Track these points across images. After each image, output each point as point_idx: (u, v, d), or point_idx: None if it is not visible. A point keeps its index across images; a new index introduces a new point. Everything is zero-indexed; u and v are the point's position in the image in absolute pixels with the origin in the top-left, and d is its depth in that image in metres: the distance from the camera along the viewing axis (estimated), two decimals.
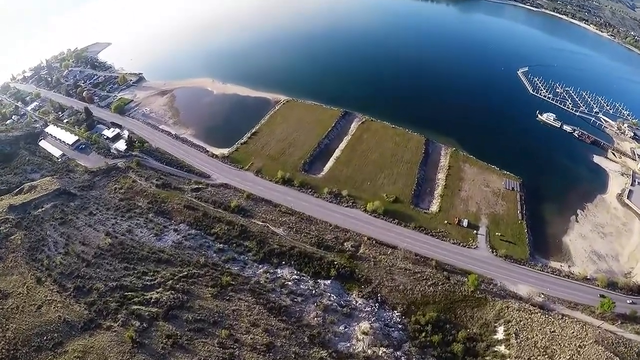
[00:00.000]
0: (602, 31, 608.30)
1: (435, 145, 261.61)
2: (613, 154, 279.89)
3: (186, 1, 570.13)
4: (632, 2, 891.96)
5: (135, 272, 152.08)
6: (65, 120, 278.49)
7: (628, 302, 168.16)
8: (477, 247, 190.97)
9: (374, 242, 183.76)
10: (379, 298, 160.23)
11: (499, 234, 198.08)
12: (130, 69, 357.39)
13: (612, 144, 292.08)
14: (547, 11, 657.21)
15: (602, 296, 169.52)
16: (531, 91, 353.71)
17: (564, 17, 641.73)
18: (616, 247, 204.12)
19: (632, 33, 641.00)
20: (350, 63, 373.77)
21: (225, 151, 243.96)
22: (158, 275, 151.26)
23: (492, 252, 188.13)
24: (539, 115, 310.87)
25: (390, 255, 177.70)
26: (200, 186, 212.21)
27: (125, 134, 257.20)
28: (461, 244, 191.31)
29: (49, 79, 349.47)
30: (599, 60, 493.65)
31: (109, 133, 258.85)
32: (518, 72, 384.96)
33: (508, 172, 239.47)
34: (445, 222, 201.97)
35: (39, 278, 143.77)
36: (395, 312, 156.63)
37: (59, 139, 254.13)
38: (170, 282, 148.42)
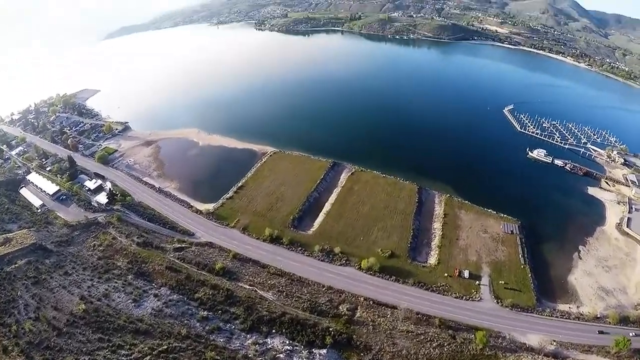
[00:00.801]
0: (579, 62, 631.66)
1: (428, 193, 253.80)
2: (607, 182, 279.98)
3: (175, 52, 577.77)
4: (604, 31, 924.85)
5: (110, 344, 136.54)
6: (48, 168, 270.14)
7: (631, 334, 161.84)
8: (481, 299, 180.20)
9: (371, 302, 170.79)
10: None
11: (503, 282, 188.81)
12: (116, 117, 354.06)
13: (604, 173, 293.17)
14: (525, 48, 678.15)
15: (601, 332, 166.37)
16: (519, 129, 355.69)
17: (541, 52, 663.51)
18: (622, 279, 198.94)
19: (607, 60, 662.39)
20: (338, 113, 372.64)
21: (210, 207, 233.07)
22: (135, 349, 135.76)
23: (498, 302, 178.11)
24: (529, 153, 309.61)
25: (390, 316, 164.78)
26: (183, 245, 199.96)
27: (108, 186, 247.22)
28: (464, 298, 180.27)
29: (36, 123, 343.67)
30: (580, 90, 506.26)
31: (91, 184, 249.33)
32: (504, 111, 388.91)
33: (505, 215, 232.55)
34: (446, 274, 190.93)
35: (5, 347, 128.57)
36: None
37: (40, 188, 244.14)
38: (149, 357, 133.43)
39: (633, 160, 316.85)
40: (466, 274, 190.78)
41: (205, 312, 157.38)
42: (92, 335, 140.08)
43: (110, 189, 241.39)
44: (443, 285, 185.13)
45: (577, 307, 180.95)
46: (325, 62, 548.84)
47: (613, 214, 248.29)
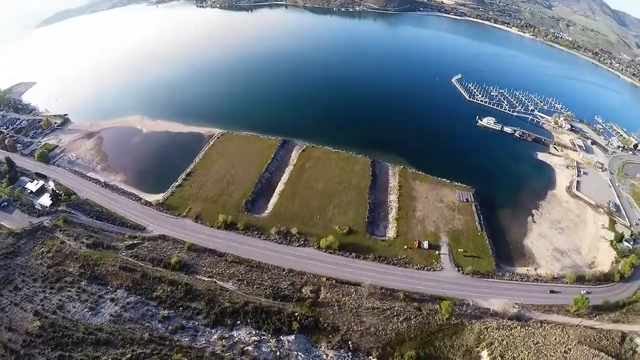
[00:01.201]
0: (524, 32, 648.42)
1: (382, 166, 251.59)
2: (555, 148, 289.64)
3: (114, 36, 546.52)
4: (548, 2, 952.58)
5: None
6: None
7: (582, 292, 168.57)
8: (442, 268, 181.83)
9: (334, 282, 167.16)
10: (350, 346, 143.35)
11: (462, 250, 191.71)
12: (55, 110, 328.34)
13: (552, 138, 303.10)
14: (470, 18, 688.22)
15: (552, 291, 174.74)
16: (468, 98, 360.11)
17: (486, 22, 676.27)
18: (575, 240, 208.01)
19: (551, 30, 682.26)
20: (285, 88, 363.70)
21: (159, 197, 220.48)
22: None
23: (459, 270, 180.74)
24: (479, 121, 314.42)
25: (354, 294, 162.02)
26: (135, 241, 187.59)
27: (51, 186, 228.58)
28: (426, 268, 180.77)
29: None
30: (525, 60, 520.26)
31: (33, 186, 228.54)
32: (452, 80, 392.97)
33: (459, 184, 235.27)
34: (405, 247, 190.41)
35: None
36: (371, 357, 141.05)
37: None
38: None
39: (579, 126, 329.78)
40: (425, 244, 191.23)
41: (166, 311, 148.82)
42: (52, 353, 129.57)
43: (53, 189, 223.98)
44: (404, 257, 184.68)
45: (535, 269, 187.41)
46: (270, 37, 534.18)
47: (563, 177, 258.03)
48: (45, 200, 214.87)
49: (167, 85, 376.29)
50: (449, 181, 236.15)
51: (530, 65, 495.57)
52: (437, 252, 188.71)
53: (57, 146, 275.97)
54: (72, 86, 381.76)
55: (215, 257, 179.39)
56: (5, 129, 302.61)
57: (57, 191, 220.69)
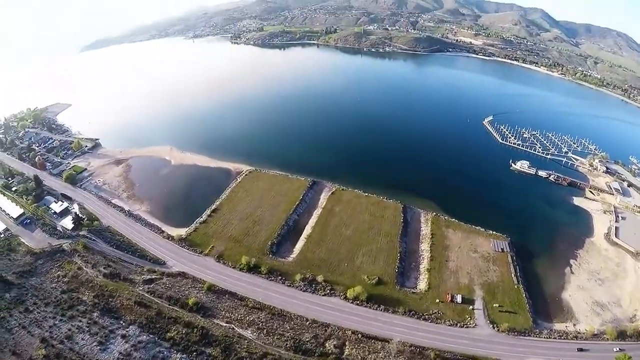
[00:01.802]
0: (552, 71, 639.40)
1: (413, 212, 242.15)
2: (591, 192, 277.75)
3: (149, 66, 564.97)
4: (575, 40, 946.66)
5: None
6: (14, 188, 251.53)
7: (615, 350, 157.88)
8: (476, 325, 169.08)
9: (360, 336, 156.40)
10: None
11: (497, 305, 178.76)
12: (87, 134, 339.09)
13: (588, 182, 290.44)
14: (499, 59, 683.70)
15: (580, 349, 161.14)
16: (500, 140, 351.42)
17: (515, 62, 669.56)
18: (615, 291, 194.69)
19: (579, 69, 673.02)
20: (316, 128, 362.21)
21: (182, 232, 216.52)
22: None
23: (493, 327, 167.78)
24: (512, 165, 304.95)
25: (381, 352, 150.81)
26: (154, 276, 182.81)
27: (75, 209, 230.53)
28: (458, 324, 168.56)
29: (4, 139, 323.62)
30: (555, 99, 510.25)
31: (57, 207, 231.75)
32: (484, 122, 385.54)
33: (494, 232, 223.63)
34: (437, 300, 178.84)
35: None
36: None
37: (3, 210, 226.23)
38: None
39: (614, 168, 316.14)
40: (459, 298, 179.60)
41: (179, 355, 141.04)
42: None
43: (76, 212, 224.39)
44: (435, 312, 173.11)
45: (574, 324, 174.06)
46: (301, 76, 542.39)
47: (600, 223, 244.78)
48: (68, 223, 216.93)
49: (197, 118, 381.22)
50: (483, 229, 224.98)
51: (561, 105, 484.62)
52: (470, 306, 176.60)
53: (85, 169, 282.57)
54: (106, 111, 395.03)
55: (236, 300, 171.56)
56: (37, 147, 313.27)
57: (80, 215, 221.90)
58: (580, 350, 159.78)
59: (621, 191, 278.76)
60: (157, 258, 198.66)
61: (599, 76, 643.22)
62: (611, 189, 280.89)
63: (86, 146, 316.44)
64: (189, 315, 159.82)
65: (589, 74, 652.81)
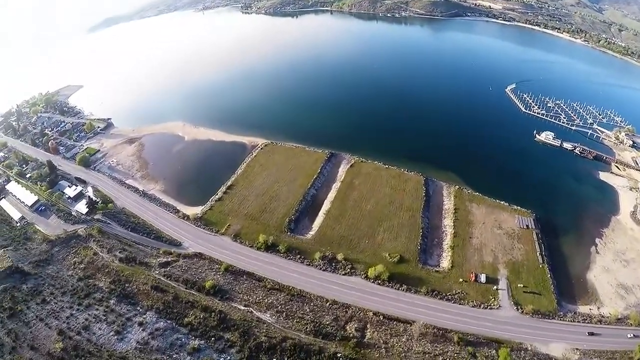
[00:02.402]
0: (575, 38, 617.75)
1: (435, 185, 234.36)
2: (617, 167, 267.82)
3: (159, 42, 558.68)
4: (598, 6, 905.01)
5: None
6: (28, 175, 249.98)
7: (629, 336, 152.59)
8: (499, 306, 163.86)
9: (381, 318, 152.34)
10: None
11: (522, 285, 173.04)
12: (99, 114, 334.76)
13: (614, 156, 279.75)
14: (519, 24, 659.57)
15: (591, 333, 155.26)
16: (523, 109, 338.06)
17: (536, 27, 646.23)
18: None
19: (603, 36, 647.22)
20: (332, 98, 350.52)
21: (198, 210, 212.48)
22: None
23: (517, 309, 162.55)
24: (537, 136, 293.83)
25: (403, 334, 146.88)
26: (170, 259, 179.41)
27: (89, 192, 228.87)
28: (482, 306, 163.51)
29: (17, 126, 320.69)
30: (579, 67, 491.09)
31: (71, 191, 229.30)
32: (506, 90, 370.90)
33: (519, 208, 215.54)
34: (461, 280, 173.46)
35: None
36: None
37: (19, 199, 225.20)
38: None
39: None
40: (483, 278, 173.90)
41: (197, 341, 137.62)
42: None
43: (90, 196, 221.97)
44: (459, 292, 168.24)
45: (598, 307, 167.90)
46: (316, 44, 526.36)
47: (627, 200, 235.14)
48: (82, 207, 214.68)
49: (210, 92, 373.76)
50: (507, 204, 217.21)
51: (584, 73, 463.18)
52: (494, 287, 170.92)
53: (98, 150, 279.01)
54: (117, 91, 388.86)
55: (254, 281, 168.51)
56: (50, 131, 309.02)
57: (95, 198, 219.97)
58: (591, 334, 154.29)
59: None
60: (173, 239, 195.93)
61: (623, 44, 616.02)
62: (638, 164, 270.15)
63: (99, 127, 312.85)
64: (207, 299, 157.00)
65: (613, 41, 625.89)
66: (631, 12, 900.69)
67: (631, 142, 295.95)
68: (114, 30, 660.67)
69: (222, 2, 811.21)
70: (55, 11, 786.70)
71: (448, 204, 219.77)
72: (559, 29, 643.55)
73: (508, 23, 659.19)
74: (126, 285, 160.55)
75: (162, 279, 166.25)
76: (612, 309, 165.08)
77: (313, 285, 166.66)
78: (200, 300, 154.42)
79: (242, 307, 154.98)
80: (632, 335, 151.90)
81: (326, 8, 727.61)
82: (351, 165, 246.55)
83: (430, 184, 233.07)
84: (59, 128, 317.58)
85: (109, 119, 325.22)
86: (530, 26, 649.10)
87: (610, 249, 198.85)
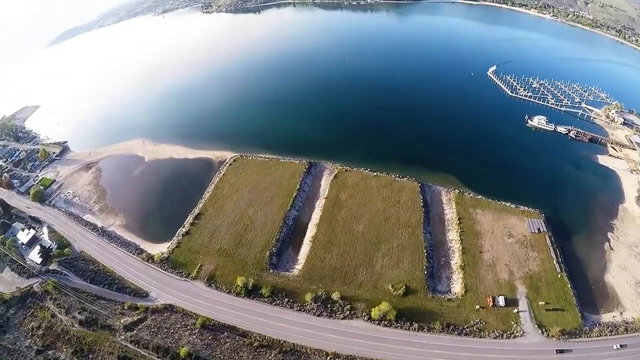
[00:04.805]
0: (543, 13, 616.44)
1: (432, 190, 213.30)
2: (613, 148, 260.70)
3: (116, 55, 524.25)
4: None
5: None
6: None
7: (615, 347, 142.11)
8: (523, 332, 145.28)
9: None
10: None
11: (543, 302, 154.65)
12: (55, 137, 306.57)
13: (608, 136, 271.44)
14: (486, 3, 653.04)
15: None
16: (510, 93, 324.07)
17: (503, 6, 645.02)
18: None
19: (571, 9, 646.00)
20: (304, 98, 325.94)
21: (164, 248, 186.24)
22: None
23: (542, 332, 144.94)
24: (529, 121, 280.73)
25: None
26: (136, 317, 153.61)
27: (44, 234, 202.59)
28: (504, 335, 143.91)
29: None
30: (553, 43, 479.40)
31: (24, 236, 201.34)
32: (488, 73, 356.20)
33: (526, 208, 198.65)
34: (477, 306, 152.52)
35: None
36: None
37: None
38: None
39: (630, 118, 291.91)
40: (501, 300, 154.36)
41: None
42: None
43: (42, 244, 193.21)
44: (477, 322, 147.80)
45: (621, 313, 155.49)
46: (281, 40, 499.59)
47: (629, 185, 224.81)
48: (36, 256, 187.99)
49: (171, 102, 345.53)
50: (514, 206, 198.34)
51: (559, 49, 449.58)
52: (515, 309, 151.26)
53: (54, 181, 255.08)
54: (74, 109, 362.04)
55: (237, 338, 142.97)
56: (4, 162, 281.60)
57: (50, 243, 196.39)
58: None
59: None
60: (138, 289, 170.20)
61: (591, 17, 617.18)
62: (632, 143, 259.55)
63: (54, 152, 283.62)
64: None
65: (580, 14, 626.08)
66: None
67: (622, 120, 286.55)
68: (73, 42, 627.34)
69: (182, 4, 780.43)
70: (9, 27, 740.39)
71: (450, 212, 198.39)
72: (526, 5, 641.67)
73: (475, 3, 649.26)
74: (90, 357, 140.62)
75: (130, 346, 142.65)
76: (635, 312, 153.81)
77: (308, 336, 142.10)
78: None
79: None
80: (618, 346, 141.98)
81: (288, 1, 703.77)
82: (335, 176, 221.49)
83: (427, 190, 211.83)
84: (14, 157, 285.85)
85: (65, 142, 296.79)
86: (497, 5, 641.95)
87: (623, 243, 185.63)
